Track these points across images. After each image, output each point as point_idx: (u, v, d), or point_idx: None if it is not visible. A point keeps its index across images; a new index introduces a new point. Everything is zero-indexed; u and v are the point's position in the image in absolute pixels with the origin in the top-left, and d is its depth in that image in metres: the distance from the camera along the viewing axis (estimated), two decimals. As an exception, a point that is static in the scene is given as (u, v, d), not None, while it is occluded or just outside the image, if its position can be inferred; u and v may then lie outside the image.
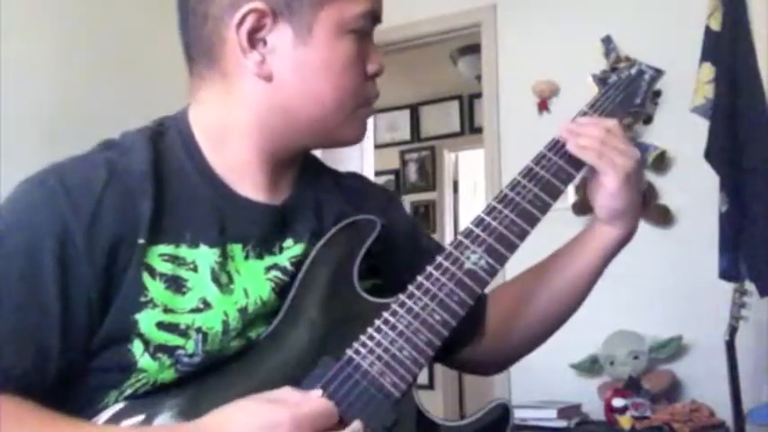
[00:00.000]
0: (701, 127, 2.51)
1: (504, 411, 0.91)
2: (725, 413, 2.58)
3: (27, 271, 0.81)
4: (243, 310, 0.89)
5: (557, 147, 1.00)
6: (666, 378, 2.92)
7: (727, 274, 2.48)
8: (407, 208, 5.22)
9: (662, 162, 3.08)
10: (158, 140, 0.93)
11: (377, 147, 4.88)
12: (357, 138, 0.99)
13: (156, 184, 0.88)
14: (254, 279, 0.91)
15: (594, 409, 2.94)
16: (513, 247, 0.93)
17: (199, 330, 0.86)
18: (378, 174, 5.01)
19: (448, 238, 5.29)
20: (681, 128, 2.80)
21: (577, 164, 0.99)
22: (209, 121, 0.95)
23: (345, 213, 0.99)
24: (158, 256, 0.86)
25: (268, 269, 0.92)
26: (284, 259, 0.94)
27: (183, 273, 0.87)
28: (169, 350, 0.84)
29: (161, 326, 0.84)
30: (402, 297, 0.90)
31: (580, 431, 2.88)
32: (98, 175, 0.86)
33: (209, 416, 0.78)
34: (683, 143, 2.97)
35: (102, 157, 0.89)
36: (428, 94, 5.61)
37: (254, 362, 0.89)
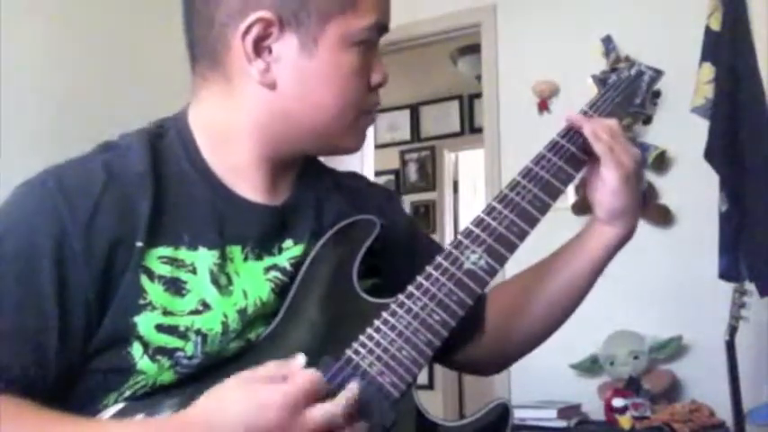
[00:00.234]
0: (701, 127, 2.51)
1: (503, 411, 0.91)
2: (725, 413, 2.58)
3: (25, 273, 0.81)
4: (242, 312, 0.89)
5: (556, 147, 1.00)
6: (666, 378, 2.92)
7: (727, 274, 2.47)
8: (407, 208, 5.23)
9: (662, 162, 3.08)
10: (157, 142, 0.93)
11: (377, 147, 4.88)
12: (357, 146, 0.99)
13: (155, 186, 0.88)
14: (254, 280, 0.91)
15: (594, 409, 2.94)
16: (512, 248, 0.93)
17: (198, 332, 0.86)
18: (378, 174, 5.01)
19: (448, 238, 5.29)
20: (681, 128, 2.79)
21: (577, 164, 1.00)
22: (210, 121, 0.95)
23: (345, 214, 0.99)
24: (157, 259, 0.86)
25: (267, 270, 0.92)
26: (284, 260, 0.94)
27: (182, 275, 0.87)
28: (168, 352, 0.84)
29: (160, 328, 0.84)
30: (401, 297, 0.90)
31: (580, 431, 2.87)
32: (96, 177, 0.86)
33: (200, 402, 0.77)
34: (683, 143, 2.97)
35: (101, 159, 0.89)
36: (428, 94, 5.61)
37: (253, 363, 0.88)
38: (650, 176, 3.07)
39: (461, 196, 5.65)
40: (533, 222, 0.95)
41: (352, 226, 0.97)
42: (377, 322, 0.88)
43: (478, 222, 0.95)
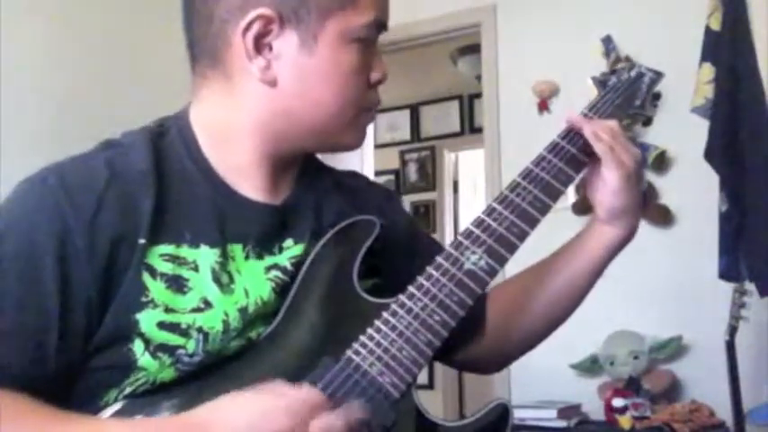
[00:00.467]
0: (701, 127, 2.51)
1: (503, 411, 0.91)
2: (725, 413, 2.58)
3: (27, 270, 0.82)
4: (243, 310, 0.89)
5: (557, 149, 1.00)
6: (666, 378, 2.93)
7: (727, 274, 2.48)
8: (407, 208, 5.23)
9: (662, 162, 3.08)
10: (159, 140, 0.93)
11: (377, 147, 4.88)
12: (357, 143, 0.99)
13: (157, 184, 0.88)
14: (255, 279, 0.91)
15: (594, 409, 2.95)
16: (512, 248, 0.93)
17: (200, 330, 0.86)
18: (378, 174, 5.01)
19: (448, 239, 5.30)
20: (681, 128, 2.79)
21: (577, 165, 1.00)
22: (211, 120, 0.95)
23: (345, 213, 1.00)
24: (159, 256, 0.86)
25: (268, 269, 0.93)
26: (284, 259, 0.94)
27: (184, 272, 0.87)
28: (170, 350, 0.85)
29: (162, 325, 0.85)
30: (402, 297, 0.90)
31: (580, 431, 2.88)
32: (99, 174, 0.86)
33: (203, 407, 0.78)
34: (683, 143, 2.97)
35: (103, 157, 0.89)
36: (428, 94, 5.61)
37: (254, 361, 0.89)
38: (650, 176, 3.07)
39: (461, 196, 5.66)
40: (533, 223, 0.95)
41: (352, 226, 0.97)
42: (377, 322, 0.89)
43: (479, 223, 0.95)
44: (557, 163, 0.99)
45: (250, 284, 0.91)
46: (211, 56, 0.93)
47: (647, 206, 2.99)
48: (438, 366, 5.21)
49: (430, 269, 0.92)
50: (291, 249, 0.95)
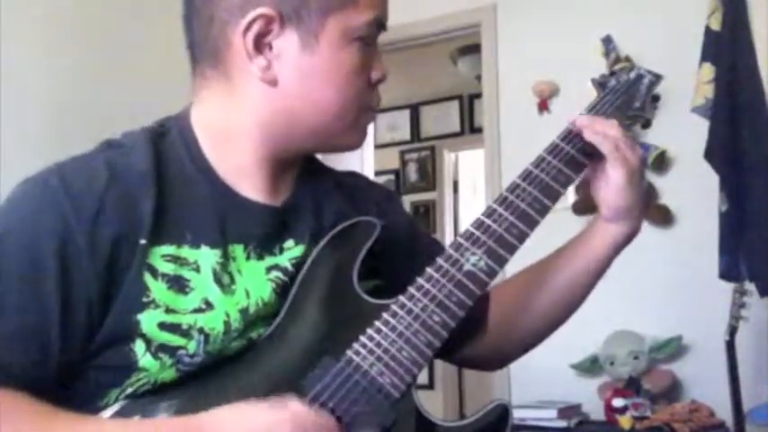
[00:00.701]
0: (701, 127, 2.51)
1: (503, 412, 0.91)
2: (725, 413, 2.58)
3: (28, 270, 0.82)
4: (244, 311, 0.89)
5: (556, 150, 1.00)
6: (666, 378, 2.93)
7: (727, 274, 2.48)
8: (407, 208, 5.23)
9: (662, 162, 3.08)
10: (159, 141, 0.93)
11: (377, 147, 4.88)
12: (357, 143, 0.99)
13: (158, 185, 0.88)
14: (256, 280, 0.91)
15: (594, 409, 2.95)
16: (512, 249, 0.94)
17: (201, 331, 0.86)
18: (378, 174, 5.01)
19: (448, 239, 5.30)
20: (681, 128, 2.79)
21: (576, 167, 1.00)
22: (211, 121, 0.95)
23: (345, 214, 1.00)
24: (160, 257, 0.86)
25: (269, 270, 0.93)
26: (285, 260, 0.94)
27: (185, 273, 0.87)
28: (171, 350, 0.85)
29: (163, 326, 0.85)
30: (402, 298, 0.90)
31: (580, 431, 2.88)
32: (100, 174, 0.87)
33: (211, 412, 0.79)
34: (683, 143, 2.97)
35: (104, 157, 0.89)
36: (428, 94, 5.61)
37: (254, 362, 0.89)
38: (650, 176, 3.07)
39: (461, 196, 5.66)
40: (533, 224, 0.95)
41: (352, 227, 0.98)
42: (377, 323, 0.89)
43: (479, 224, 0.95)
44: (556, 164, 0.99)
45: (251, 285, 0.91)
46: (212, 56, 0.93)
47: (647, 206, 2.99)
48: (438, 366, 5.22)
49: (430, 270, 0.92)
50: (292, 250, 0.95)
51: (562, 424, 2.85)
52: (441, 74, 5.27)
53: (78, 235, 0.83)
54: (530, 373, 3.00)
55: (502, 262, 0.93)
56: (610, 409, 2.79)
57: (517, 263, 1.07)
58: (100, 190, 0.85)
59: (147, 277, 0.85)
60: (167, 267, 0.86)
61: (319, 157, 1.08)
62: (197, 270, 0.88)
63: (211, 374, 0.87)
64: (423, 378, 5.10)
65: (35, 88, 2.80)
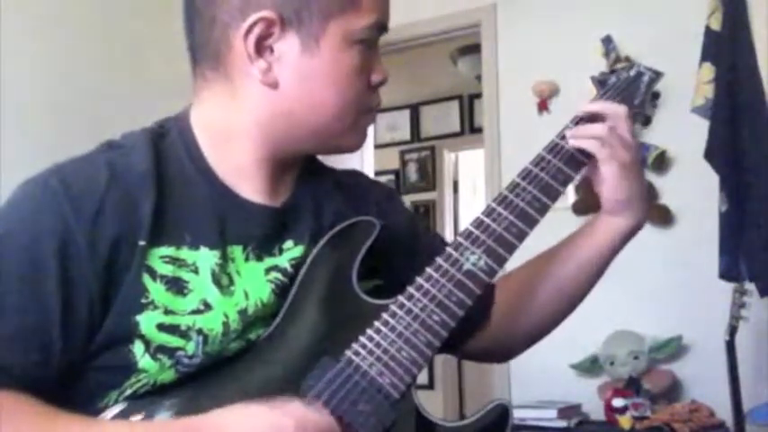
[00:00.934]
0: (701, 127, 2.51)
1: (503, 412, 0.91)
2: (725, 413, 2.58)
3: (29, 271, 0.82)
4: (243, 312, 0.89)
5: (556, 149, 1.00)
6: (666, 378, 2.93)
7: (727, 274, 2.48)
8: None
9: (662, 162, 3.08)
10: (159, 142, 0.93)
11: (377, 147, 4.88)
12: (357, 145, 0.99)
13: (158, 186, 0.88)
14: (255, 281, 0.91)
15: (594, 409, 2.95)
16: (511, 248, 0.94)
17: (199, 332, 0.86)
18: (378, 174, 5.02)
19: (448, 238, 5.28)
20: (681, 128, 2.80)
21: (576, 165, 1.00)
22: (211, 122, 0.95)
23: (344, 214, 1.00)
24: (159, 258, 0.86)
25: (268, 271, 0.93)
26: (284, 261, 0.94)
27: (183, 274, 0.87)
28: (170, 351, 0.85)
29: (162, 327, 0.85)
30: (401, 298, 0.90)
31: (580, 431, 2.88)
32: (100, 175, 0.86)
33: (212, 413, 0.79)
34: (683, 143, 2.97)
35: (104, 158, 0.89)
36: (428, 94, 5.61)
37: (254, 363, 0.89)
38: (650, 176, 3.07)
39: (461, 196, 5.66)
40: (532, 223, 0.95)
41: (352, 227, 0.97)
42: (377, 323, 0.89)
43: (478, 224, 0.95)
44: (556, 163, 0.99)
45: (250, 286, 0.91)
46: (213, 58, 0.93)
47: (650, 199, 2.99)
48: (438, 366, 5.22)
49: (429, 270, 0.92)
50: (291, 251, 0.95)
51: (562, 424, 2.85)
52: (441, 74, 5.27)
53: (78, 235, 0.83)
54: (530, 373, 3.00)
55: (501, 261, 0.93)
56: (610, 409, 2.79)
57: (517, 262, 1.07)
58: (100, 190, 0.85)
59: (146, 278, 0.85)
60: (166, 269, 0.86)
61: (320, 157, 1.08)
62: (195, 271, 0.88)
63: (211, 375, 0.87)
64: (423, 378, 5.10)
65: (35, 88, 2.80)
